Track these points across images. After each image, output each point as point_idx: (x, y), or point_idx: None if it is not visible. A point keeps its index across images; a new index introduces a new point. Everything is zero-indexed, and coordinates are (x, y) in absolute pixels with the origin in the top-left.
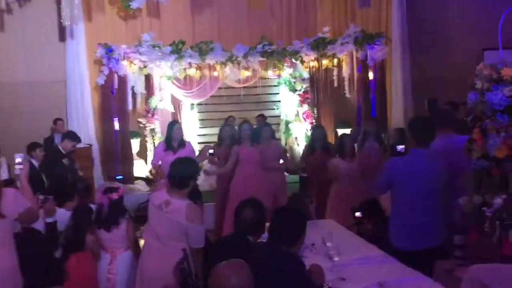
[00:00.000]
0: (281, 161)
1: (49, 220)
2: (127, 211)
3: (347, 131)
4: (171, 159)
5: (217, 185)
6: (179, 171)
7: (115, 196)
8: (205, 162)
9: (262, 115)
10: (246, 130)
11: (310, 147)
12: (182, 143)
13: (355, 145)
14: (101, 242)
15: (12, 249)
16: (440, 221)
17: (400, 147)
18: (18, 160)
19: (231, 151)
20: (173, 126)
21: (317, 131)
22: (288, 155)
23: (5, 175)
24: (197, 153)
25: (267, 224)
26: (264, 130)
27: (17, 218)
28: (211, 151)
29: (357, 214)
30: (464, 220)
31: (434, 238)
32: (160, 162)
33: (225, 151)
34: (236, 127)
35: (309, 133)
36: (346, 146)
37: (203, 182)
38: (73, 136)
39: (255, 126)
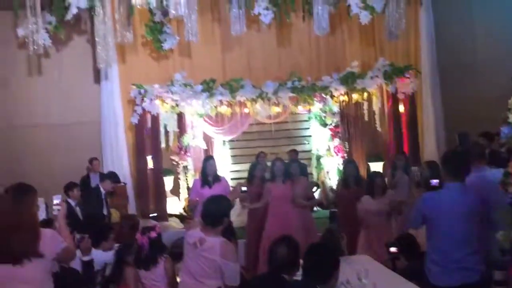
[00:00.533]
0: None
1: (86, 258)
2: (166, 249)
3: (379, 164)
4: (207, 194)
5: (248, 222)
6: (212, 209)
7: (153, 234)
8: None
9: (294, 150)
10: (279, 167)
11: (343, 182)
12: (217, 178)
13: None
14: (140, 281)
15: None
16: (477, 256)
17: (434, 181)
18: (56, 201)
19: (263, 188)
20: (207, 161)
21: (349, 166)
22: (320, 189)
23: (43, 215)
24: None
25: (301, 262)
26: (292, 167)
27: (55, 258)
28: (244, 188)
29: (392, 249)
30: (503, 255)
31: (472, 274)
32: (197, 198)
33: (256, 188)
34: (268, 163)
35: (341, 167)
36: (376, 186)
37: (236, 218)
38: (114, 177)
39: (286, 161)
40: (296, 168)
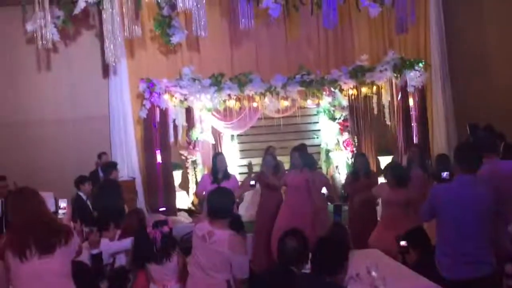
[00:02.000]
0: None
1: (95, 251)
2: (177, 243)
3: (388, 158)
4: None
5: (257, 216)
6: (215, 202)
7: (166, 229)
8: (246, 193)
9: (303, 144)
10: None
11: (354, 175)
12: (227, 175)
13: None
14: (150, 275)
15: (71, 282)
16: (489, 249)
17: (445, 174)
18: (63, 205)
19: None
20: (216, 157)
21: (359, 159)
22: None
23: (52, 209)
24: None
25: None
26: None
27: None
28: (252, 182)
29: (402, 243)
30: None
31: (483, 267)
32: (204, 193)
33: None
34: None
35: (350, 161)
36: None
37: (245, 213)
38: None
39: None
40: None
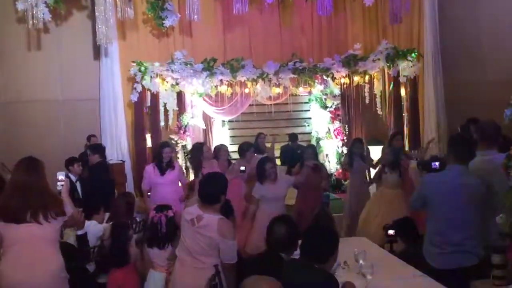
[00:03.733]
0: None
1: (80, 232)
2: (179, 228)
3: (379, 148)
4: (160, 181)
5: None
6: (208, 187)
7: (170, 213)
8: None
9: (293, 134)
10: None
11: (350, 159)
12: (170, 165)
13: None
14: (150, 261)
15: (59, 250)
16: (476, 240)
17: (436, 164)
18: (60, 177)
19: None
20: (162, 148)
21: (356, 143)
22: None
23: None
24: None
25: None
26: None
27: (63, 224)
28: (242, 168)
29: (390, 232)
30: (502, 239)
31: (471, 257)
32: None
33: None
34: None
35: (340, 150)
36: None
37: None
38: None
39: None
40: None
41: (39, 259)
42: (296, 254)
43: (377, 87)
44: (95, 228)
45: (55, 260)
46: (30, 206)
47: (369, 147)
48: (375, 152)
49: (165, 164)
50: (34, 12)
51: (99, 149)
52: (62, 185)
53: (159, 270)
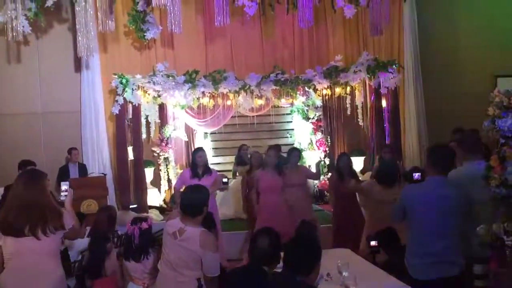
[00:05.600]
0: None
1: (61, 247)
2: (156, 241)
3: (361, 159)
4: None
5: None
6: (190, 199)
7: (144, 225)
8: (218, 191)
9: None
10: (271, 158)
11: (338, 174)
12: (208, 170)
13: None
14: (129, 274)
15: (60, 261)
16: (457, 250)
17: (417, 175)
18: (64, 187)
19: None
20: (196, 153)
21: (343, 158)
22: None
23: None
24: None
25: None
26: (293, 155)
27: (63, 236)
28: (225, 180)
29: (373, 243)
30: (483, 249)
31: (452, 267)
32: (183, 188)
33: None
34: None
35: (323, 161)
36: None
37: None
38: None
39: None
40: (297, 156)
41: (38, 273)
42: (280, 267)
43: (358, 98)
44: (77, 243)
45: (55, 274)
46: (29, 220)
47: (351, 158)
48: (357, 163)
49: (203, 169)
50: (14, 25)
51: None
52: (66, 195)
53: (136, 283)
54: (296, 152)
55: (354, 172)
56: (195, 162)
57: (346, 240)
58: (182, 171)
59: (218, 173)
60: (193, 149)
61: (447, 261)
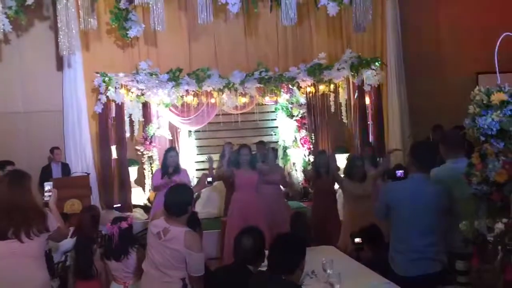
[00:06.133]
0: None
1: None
2: (137, 240)
3: (345, 156)
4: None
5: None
6: (174, 199)
7: (124, 225)
8: (205, 189)
9: (262, 142)
10: (245, 156)
11: (316, 173)
12: (177, 170)
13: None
14: (111, 273)
15: (45, 264)
16: (439, 246)
17: (400, 172)
18: (47, 188)
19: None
20: (168, 153)
21: (321, 156)
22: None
23: None
24: (195, 180)
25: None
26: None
27: (47, 237)
28: (209, 179)
29: (357, 240)
30: (466, 246)
31: (434, 264)
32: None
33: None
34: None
35: (307, 158)
36: (356, 169)
37: (202, 210)
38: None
39: (254, 152)
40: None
41: (22, 277)
42: (264, 265)
43: (342, 96)
44: (62, 243)
45: (39, 277)
46: (12, 223)
47: (335, 155)
48: (341, 161)
49: (172, 169)
50: None
51: None
52: (50, 195)
53: (118, 282)
54: (274, 152)
55: (331, 169)
56: (166, 162)
57: (323, 236)
58: (154, 172)
59: (203, 173)
60: (177, 147)
61: (430, 258)
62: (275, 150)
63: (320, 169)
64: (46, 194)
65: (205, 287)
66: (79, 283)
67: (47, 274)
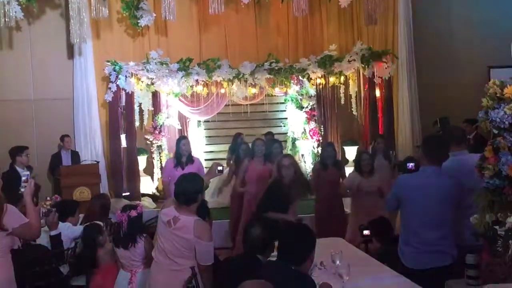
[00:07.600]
0: None
1: (53, 233)
2: (145, 228)
3: (354, 148)
4: (178, 175)
5: (231, 203)
6: (184, 187)
7: (133, 213)
8: (214, 179)
9: (270, 133)
10: (260, 147)
11: (322, 165)
12: (190, 159)
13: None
14: (119, 260)
15: (8, 260)
16: (450, 240)
17: (411, 165)
18: (24, 178)
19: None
20: (180, 141)
21: (328, 148)
22: None
23: None
24: (205, 170)
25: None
26: (274, 147)
27: (11, 232)
28: (219, 168)
29: (366, 232)
30: (476, 239)
31: (445, 257)
32: (170, 178)
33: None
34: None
35: (316, 150)
36: (363, 163)
37: (210, 199)
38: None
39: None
40: (278, 147)
41: None
42: (274, 255)
43: (352, 88)
44: (70, 230)
45: (1, 273)
46: None
47: (344, 147)
48: (350, 153)
49: (186, 157)
50: (6, 10)
51: None
52: (25, 186)
53: (125, 270)
54: (277, 144)
55: (338, 161)
56: (179, 151)
57: (328, 229)
58: (165, 162)
59: (214, 162)
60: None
61: (440, 251)
62: (279, 142)
63: (326, 161)
64: (22, 184)
65: (214, 276)
66: (93, 271)
67: (11, 271)
